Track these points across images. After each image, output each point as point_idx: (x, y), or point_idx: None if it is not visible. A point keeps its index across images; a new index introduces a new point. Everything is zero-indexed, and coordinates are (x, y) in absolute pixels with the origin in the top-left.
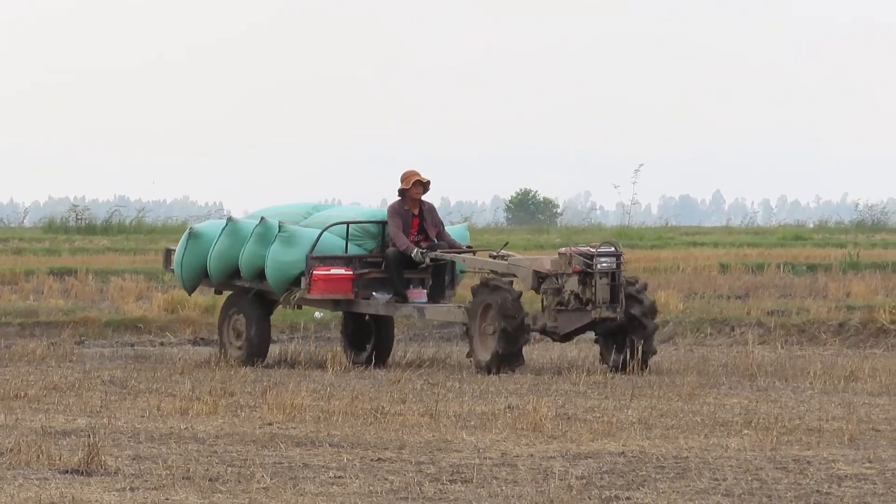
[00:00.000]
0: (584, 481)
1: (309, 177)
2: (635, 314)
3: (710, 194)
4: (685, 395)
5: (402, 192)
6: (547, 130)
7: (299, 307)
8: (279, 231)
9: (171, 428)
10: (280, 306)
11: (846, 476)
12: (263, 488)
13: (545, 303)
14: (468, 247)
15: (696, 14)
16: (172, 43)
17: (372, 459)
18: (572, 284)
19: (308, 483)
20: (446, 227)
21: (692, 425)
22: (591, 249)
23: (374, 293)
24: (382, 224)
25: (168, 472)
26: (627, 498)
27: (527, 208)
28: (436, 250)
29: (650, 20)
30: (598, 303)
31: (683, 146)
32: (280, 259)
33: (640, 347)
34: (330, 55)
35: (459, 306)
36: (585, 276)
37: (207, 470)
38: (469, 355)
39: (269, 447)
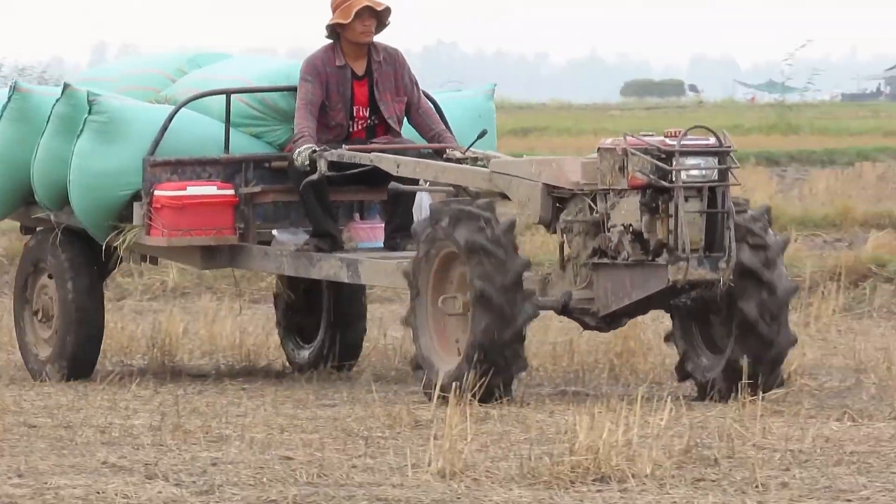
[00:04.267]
0: None
1: None
2: (753, 302)
3: None
4: None
5: (335, 31)
6: None
7: (152, 261)
8: (89, 111)
9: None
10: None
11: None
12: None
13: (568, 251)
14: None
15: None
16: None
17: None
18: (628, 213)
19: None
20: (458, 93)
21: None
22: (669, 140)
23: (274, 233)
24: None
25: None
26: None
27: None
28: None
29: None
30: (681, 251)
31: None
32: (91, 166)
33: (759, 372)
34: None
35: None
36: (656, 197)
37: None
38: (415, 365)
39: None
